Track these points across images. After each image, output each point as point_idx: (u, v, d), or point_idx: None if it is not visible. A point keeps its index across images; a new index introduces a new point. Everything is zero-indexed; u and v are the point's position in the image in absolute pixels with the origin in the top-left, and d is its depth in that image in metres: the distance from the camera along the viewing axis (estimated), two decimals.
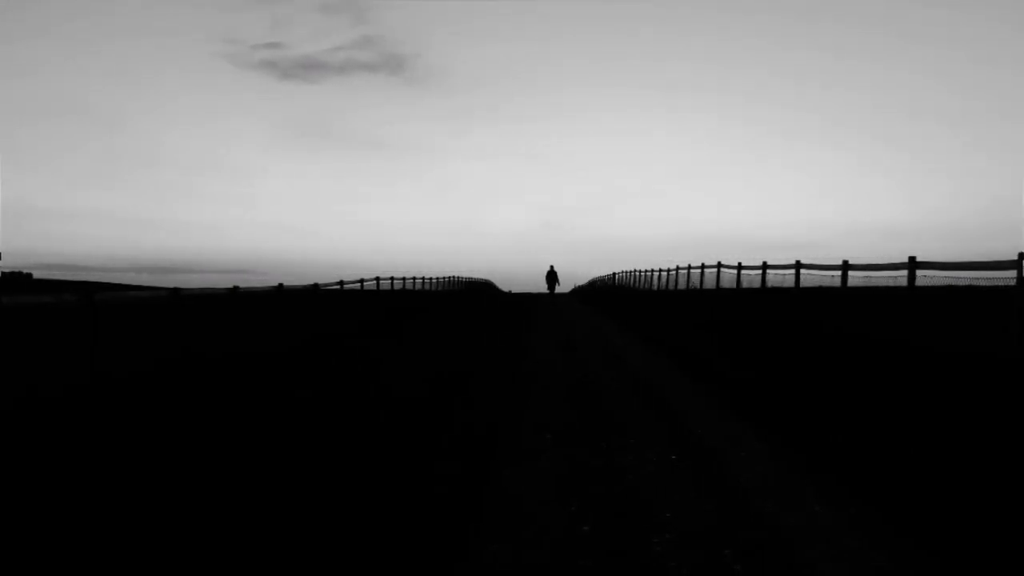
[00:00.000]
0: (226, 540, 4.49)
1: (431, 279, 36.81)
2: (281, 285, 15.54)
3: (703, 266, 26.37)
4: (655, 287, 36.04)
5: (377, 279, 24.71)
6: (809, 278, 15.43)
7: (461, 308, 30.72)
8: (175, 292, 11.13)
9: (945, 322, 10.57)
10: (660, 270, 35.31)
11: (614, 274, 54.52)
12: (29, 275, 49.38)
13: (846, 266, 13.42)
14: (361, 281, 22.61)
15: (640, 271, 42.47)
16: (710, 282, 24.95)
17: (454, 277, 45.37)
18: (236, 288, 13.40)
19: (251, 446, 6.71)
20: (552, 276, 50.00)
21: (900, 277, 11.45)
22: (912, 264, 11.23)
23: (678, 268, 31.13)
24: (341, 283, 20.20)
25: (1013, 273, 9.50)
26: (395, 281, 27.91)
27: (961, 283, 10.54)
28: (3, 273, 38.36)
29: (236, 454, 6.41)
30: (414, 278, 32.18)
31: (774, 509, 5.00)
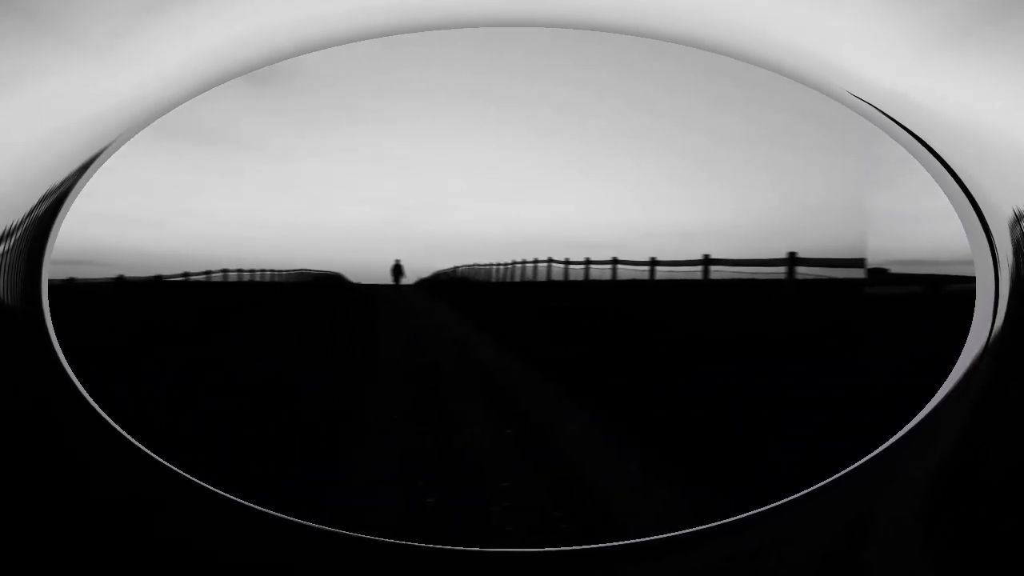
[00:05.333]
0: None
1: (282, 271, 38.14)
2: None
3: (535, 261, 27.93)
4: (493, 279, 38.22)
5: (224, 271, 24.67)
6: (624, 272, 17.09)
7: (314, 295, 30.90)
8: None
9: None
10: (498, 264, 37.36)
11: (455, 267, 56.98)
12: None
13: (653, 263, 15.02)
14: (207, 272, 22.48)
15: (480, 264, 44.83)
16: (540, 276, 26.57)
17: (305, 270, 46.00)
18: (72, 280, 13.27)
19: None
20: (398, 269, 50.21)
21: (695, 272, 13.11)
22: (707, 261, 12.82)
23: (513, 262, 32.93)
24: (186, 274, 20.11)
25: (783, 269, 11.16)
26: (243, 273, 28.17)
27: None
28: None
29: None
30: (262, 270, 32.33)
31: None
